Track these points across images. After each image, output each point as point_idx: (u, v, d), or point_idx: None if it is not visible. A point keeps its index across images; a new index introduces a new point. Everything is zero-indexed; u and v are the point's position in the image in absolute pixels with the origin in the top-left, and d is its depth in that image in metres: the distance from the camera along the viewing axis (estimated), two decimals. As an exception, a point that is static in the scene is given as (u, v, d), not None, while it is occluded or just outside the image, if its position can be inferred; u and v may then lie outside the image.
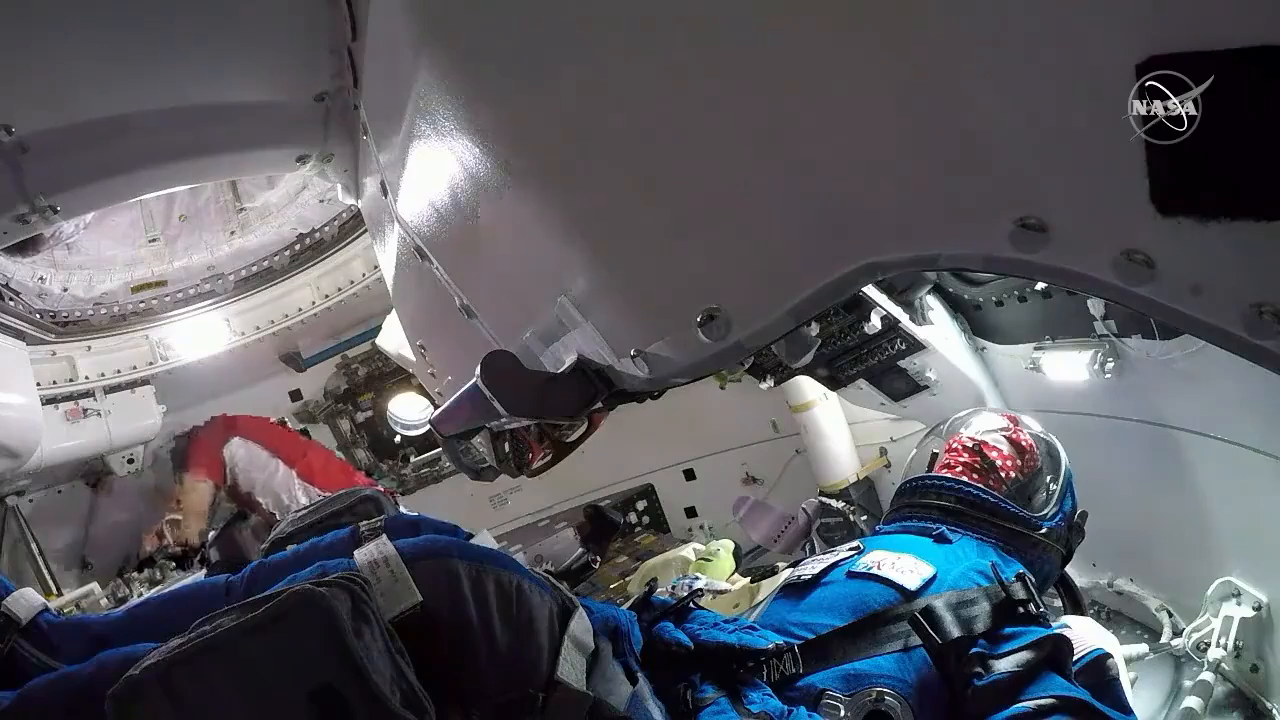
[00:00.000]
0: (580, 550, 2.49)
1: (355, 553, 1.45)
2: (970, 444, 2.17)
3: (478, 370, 1.44)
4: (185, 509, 4.69)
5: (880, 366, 3.36)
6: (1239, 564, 2.43)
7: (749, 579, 3.01)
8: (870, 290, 2.88)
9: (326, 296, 5.01)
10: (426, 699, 1.18)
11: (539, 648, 1.37)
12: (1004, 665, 1.59)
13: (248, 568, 1.73)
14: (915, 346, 3.16)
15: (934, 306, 3.11)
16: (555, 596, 1.48)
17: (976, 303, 3.02)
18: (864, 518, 4.01)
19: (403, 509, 2.33)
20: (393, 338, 3.84)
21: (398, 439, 5.75)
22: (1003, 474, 2.11)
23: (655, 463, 5.42)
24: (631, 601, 1.94)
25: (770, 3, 0.96)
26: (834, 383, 3.66)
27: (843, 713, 1.57)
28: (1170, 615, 2.71)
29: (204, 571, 4.47)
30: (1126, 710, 1.66)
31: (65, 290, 4.62)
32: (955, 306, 3.16)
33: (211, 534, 4.73)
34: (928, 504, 2.07)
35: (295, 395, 5.75)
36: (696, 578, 3.17)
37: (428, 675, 1.22)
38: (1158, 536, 2.78)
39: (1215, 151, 0.67)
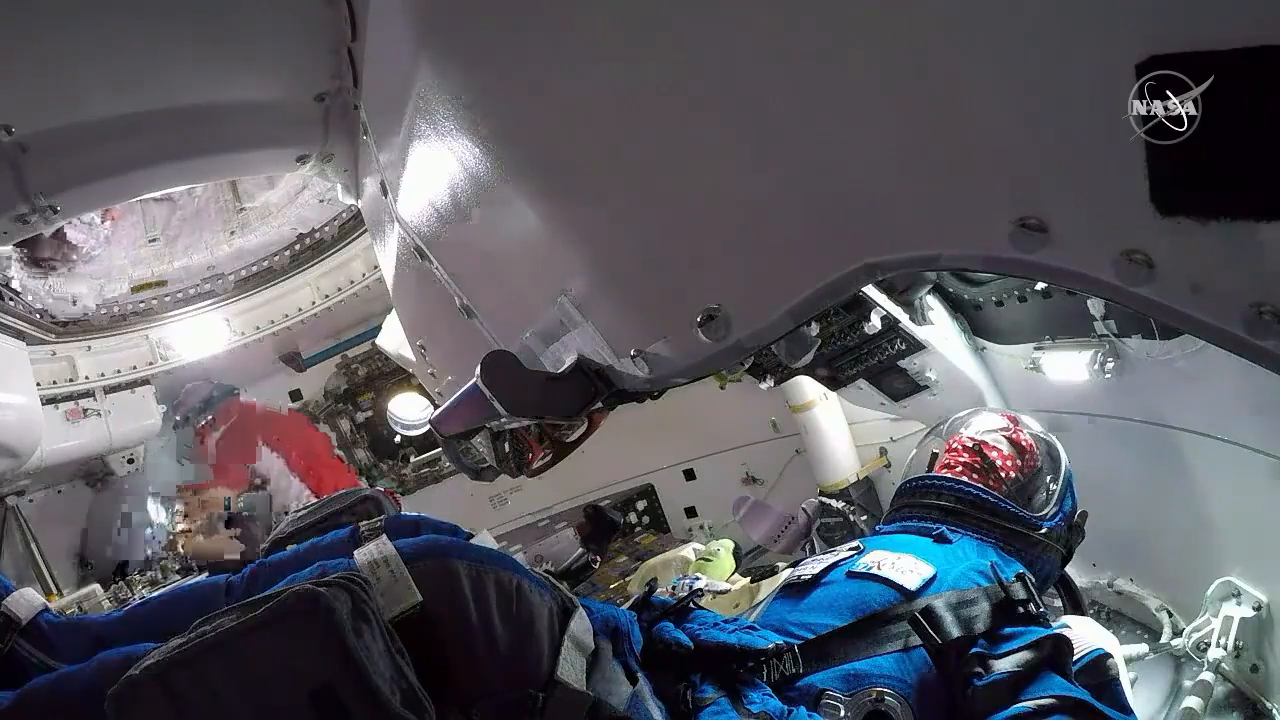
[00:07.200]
0: (580, 550, 2.49)
1: (355, 553, 1.45)
2: (970, 444, 2.17)
3: (478, 370, 1.44)
4: (199, 521, 4.73)
5: (880, 366, 3.36)
6: (1239, 564, 2.42)
7: (749, 579, 3.01)
8: (870, 290, 2.87)
9: (326, 296, 5.02)
10: (426, 699, 1.18)
11: (539, 648, 1.37)
12: (1004, 665, 1.59)
13: (248, 568, 1.73)
14: (915, 346, 3.16)
15: (934, 306, 3.11)
16: (555, 596, 1.48)
17: (976, 303, 3.02)
18: (864, 518, 4.01)
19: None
20: (393, 338, 3.84)
21: (398, 439, 5.75)
22: (1003, 474, 2.11)
23: (655, 463, 5.41)
24: (631, 601, 1.93)
25: (770, 3, 0.96)
26: (834, 383, 3.66)
27: (843, 713, 1.57)
28: (1170, 615, 2.71)
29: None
30: (1126, 710, 1.66)
31: (75, 303, 4.63)
32: (955, 306, 3.15)
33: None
34: (928, 504, 2.07)
35: (295, 395, 5.76)
36: (696, 578, 3.17)
37: (428, 675, 1.22)
38: (1158, 536, 2.77)
39: (1215, 152, 0.67)
